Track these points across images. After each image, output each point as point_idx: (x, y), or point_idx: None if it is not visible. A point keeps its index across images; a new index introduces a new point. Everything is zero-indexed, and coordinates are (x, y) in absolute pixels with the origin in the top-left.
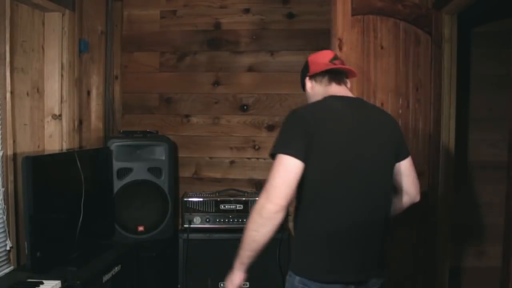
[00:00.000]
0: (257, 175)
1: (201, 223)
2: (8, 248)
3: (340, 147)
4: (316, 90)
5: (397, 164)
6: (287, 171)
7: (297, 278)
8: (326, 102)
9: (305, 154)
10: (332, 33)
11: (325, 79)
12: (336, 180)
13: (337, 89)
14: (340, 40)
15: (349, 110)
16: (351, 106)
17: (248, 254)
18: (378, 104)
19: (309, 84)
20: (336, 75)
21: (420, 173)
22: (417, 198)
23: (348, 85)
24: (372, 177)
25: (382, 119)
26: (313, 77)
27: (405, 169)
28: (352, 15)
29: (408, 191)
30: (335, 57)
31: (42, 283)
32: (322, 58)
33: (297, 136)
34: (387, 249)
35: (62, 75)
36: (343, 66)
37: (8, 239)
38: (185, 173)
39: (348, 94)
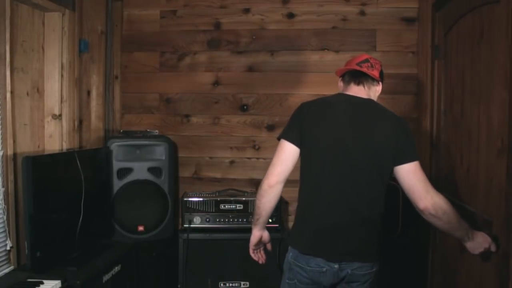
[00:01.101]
0: (257, 175)
1: (201, 223)
2: (8, 248)
3: (325, 135)
4: (340, 87)
5: (397, 168)
6: (281, 151)
7: (291, 253)
8: (332, 97)
9: (299, 140)
10: None
11: (346, 79)
12: (317, 165)
13: (353, 89)
14: None
15: (347, 106)
16: (352, 104)
17: (256, 217)
18: None
19: (339, 81)
20: (356, 76)
21: None
22: (418, 204)
23: (373, 88)
24: (354, 169)
25: (382, 122)
26: (341, 76)
27: (403, 173)
28: None
29: (409, 197)
30: (365, 60)
31: (42, 283)
32: (354, 61)
33: (292, 124)
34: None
35: (62, 75)
36: (364, 70)
37: (8, 239)
38: (185, 173)
39: (362, 95)
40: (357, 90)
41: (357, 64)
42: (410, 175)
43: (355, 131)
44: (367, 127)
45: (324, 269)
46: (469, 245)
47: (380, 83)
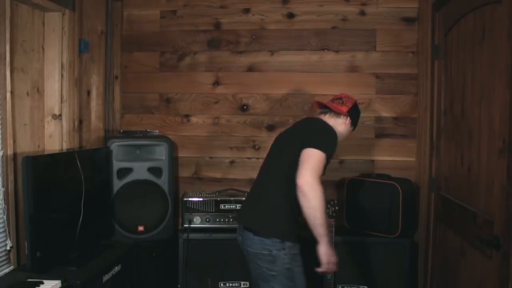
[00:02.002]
0: (257, 175)
1: (201, 223)
2: (8, 248)
3: (275, 142)
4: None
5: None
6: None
7: None
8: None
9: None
10: None
11: (318, 109)
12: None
13: (319, 115)
14: None
15: (297, 123)
16: (300, 122)
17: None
18: None
19: None
20: (323, 108)
21: None
22: (298, 179)
23: (338, 120)
24: (268, 162)
25: (304, 126)
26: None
27: (302, 154)
28: None
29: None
30: (338, 98)
31: (42, 283)
32: (332, 98)
33: None
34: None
35: (62, 75)
36: (328, 104)
37: (8, 239)
38: (185, 173)
39: (318, 118)
40: (320, 116)
41: (331, 100)
42: (304, 155)
43: (286, 138)
44: (293, 133)
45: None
46: (322, 249)
47: (348, 118)
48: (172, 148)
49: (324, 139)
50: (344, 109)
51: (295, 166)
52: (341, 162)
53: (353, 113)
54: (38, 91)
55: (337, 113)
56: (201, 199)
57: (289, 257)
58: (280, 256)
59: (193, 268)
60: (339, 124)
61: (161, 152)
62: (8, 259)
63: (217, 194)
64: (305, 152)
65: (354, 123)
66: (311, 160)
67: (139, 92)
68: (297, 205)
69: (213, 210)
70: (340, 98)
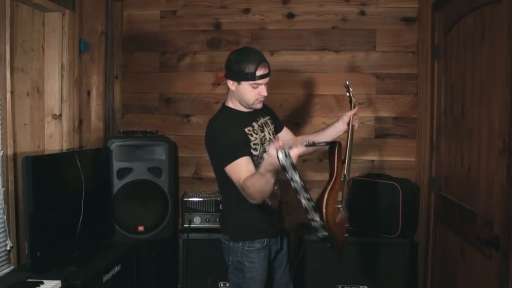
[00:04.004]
0: None
1: (201, 223)
2: (8, 248)
3: None
4: None
5: None
6: None
7: None
8: None
9: None
10: None
11: None
12: None
13: None
14: None
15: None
16: None
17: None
18: None
19: None
20: None
21: None
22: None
23: (228, 91)
24: None
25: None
26: None
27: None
28: None
29: None
30: None
31: (42, 283)
32: None
33: None
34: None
35: (62, 75)
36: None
37: (8, 239)
38: (185, 173)
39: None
40: None
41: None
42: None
43: None
44: None
45: None
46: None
47: (229, 80)
48: (172, 148)
49: (217, 149)
50: (221, 76)
51: (222, 181)
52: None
53: (232, 70)
54: (38, 91)
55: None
56: (201, 199)
57: (242, 252)
58: (234, 248)
59: (193, 268)
60: (232, 93)
61: (161, 152)
62: (8, 259)
63: (217, 194)
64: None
65: (239, 76)
66: (233, 179)
67: (139, 92)
68: (238, 208)
69: (213, 210)
70: None
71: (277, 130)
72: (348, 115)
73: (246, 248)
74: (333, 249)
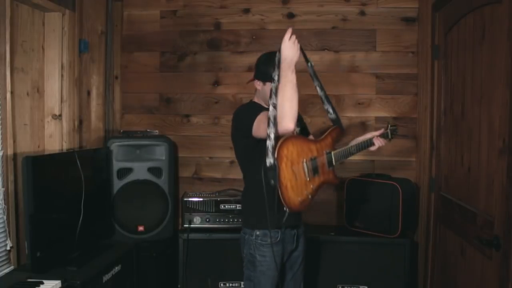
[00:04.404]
0: None
1: (201, 223)
2: (8, 248)
3: None
4: None
5: None
6: None
7: None
8: None
9: None
10: None
11: None
12: None
13: None
14: None
15: None
16: None
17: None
18: None
19: None
20: None
21: None
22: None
23: (256, 92)
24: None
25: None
26: None
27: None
28: None
29: None
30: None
31: (42, 283)
32: None
33: None
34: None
35: (62, 75)
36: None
37: (8, 239)
38: (185, 173)
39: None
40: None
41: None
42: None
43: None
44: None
45: None
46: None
47: (257, 81)
48: (172, 148)
49: (244, 117)
50: (251, 78)
51: (244, 161)
52: (341, 162)
53: (259, 71)
54: (38, 91)
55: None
56: (201, 199)
57: (254, 245)
58: (248, 241)
59: (193, 268)
60: (258, 93)
61: (161, 152)
62: (8, 259)
63: (217, 194)
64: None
65: (264, 77)
66: (261, 127)
67: (139, 92)
68: (259, 196)
69: (213, 210)
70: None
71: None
72: (373, 134)
73: (259, 241)
74: (279, 206)
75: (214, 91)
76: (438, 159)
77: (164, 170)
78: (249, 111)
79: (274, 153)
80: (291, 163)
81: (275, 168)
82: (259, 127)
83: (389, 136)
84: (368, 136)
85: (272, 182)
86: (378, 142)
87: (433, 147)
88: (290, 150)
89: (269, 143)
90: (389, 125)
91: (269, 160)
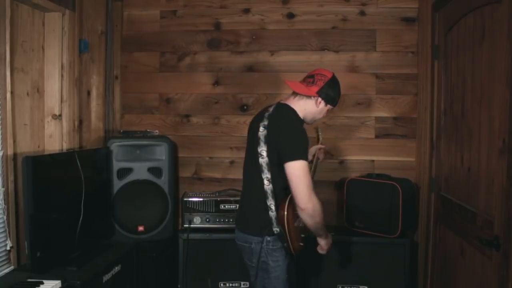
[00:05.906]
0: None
1: (201, 223)
2: (8, 248)
3: (249, 133)
4: None
5: (283, 166)
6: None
7: None
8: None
9: None
10: None
11: None
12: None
13: (289, 98)
14: None
15: (264, 113)
16: (268, 114)
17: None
18: None
19: None
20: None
21: None
22: (299, 204)
23: (308, 101)
24: (247, 167)
25: (272, 123)
26: None
27: (286, 172)
28: None
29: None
30: (310, 76)
31: (42, 283)
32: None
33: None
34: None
35: (62, 75)
36: (291, 85)
37: (8, 239)
38: (185, 173)
39: (290, 103)
40: (289, 99)
41: (303, 79)
42: (289, 172)
43: (252, 132)
44: (257, 127)
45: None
46: (323, 242)
47: (320, 98)
48: (172, 148)
49: (296, 142)
50: (314, 89)
51: (267, 168)
52: (341, 162)
53: (327, 92)
54: (38, 91)
55: (306, 95)
56: (201, 199)
57: (266, 251)
58: (257, 249)
59: (193, 268)
60: (311, 106)
61: (161, 152)
62: (8, 259)
63: (217, 194)
64: (288, 168)
65: (330, 101)
66: (300, 177)
67: (139, 92)
68: (274, 203)
69: (213, 210)
70: (312, 76)
71: None
72: (315, 147)
73: (271, 246)
74: (288, 250)
75: (214, 91)
76: (438, 159)
77: (164, 170)
78: (301, 136)
79: (279, 223)
80: (292, 222)
81: (282, 234)
82: (302, 170)
83: (321, 139)
84: (313, 153)
85: (285, 244)
86: (322, 155)
87: (433, 147)
88: (290, 212)
89: (272, 214)
90: (317, 130)
91: (275, 229)
